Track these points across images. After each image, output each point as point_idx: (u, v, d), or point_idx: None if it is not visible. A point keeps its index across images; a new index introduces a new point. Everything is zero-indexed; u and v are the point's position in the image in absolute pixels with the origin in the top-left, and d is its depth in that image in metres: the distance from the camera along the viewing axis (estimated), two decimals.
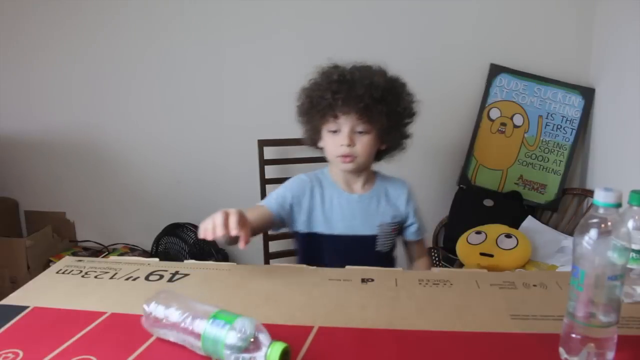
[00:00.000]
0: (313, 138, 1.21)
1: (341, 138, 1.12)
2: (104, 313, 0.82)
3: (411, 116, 1.19)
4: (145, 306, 0.75)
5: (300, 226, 1.20)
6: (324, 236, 1.19)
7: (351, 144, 1.11)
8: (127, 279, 0.95)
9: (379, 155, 1.21)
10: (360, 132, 1.12)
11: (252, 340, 0.66)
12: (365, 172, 1.21)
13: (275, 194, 1.20)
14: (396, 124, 1.15)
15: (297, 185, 1.21)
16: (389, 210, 1.22)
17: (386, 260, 1.23)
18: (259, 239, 1.86)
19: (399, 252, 1.31)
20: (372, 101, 1.08)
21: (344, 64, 1.15)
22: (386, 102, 1.10)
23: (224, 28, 2.01)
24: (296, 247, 1.27)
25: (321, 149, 1.21)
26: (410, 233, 1.26)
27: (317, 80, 1.14)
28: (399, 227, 1.24)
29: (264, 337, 0.67)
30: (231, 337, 0.66)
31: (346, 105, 1.09)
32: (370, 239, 1.20)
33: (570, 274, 0.67)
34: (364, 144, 1.13)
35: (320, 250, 1.19)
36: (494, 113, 1.97)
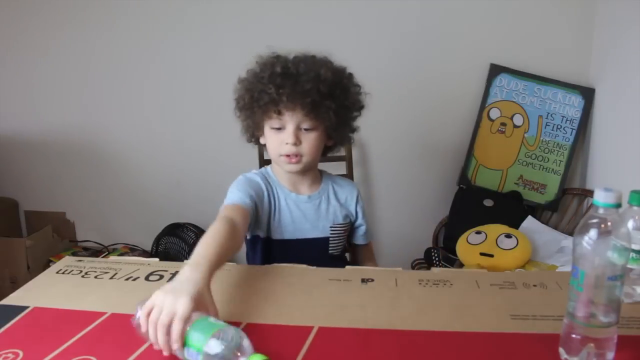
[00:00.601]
0: (254, 135, 1.12)
1: (286, 136, 1.03)
2: (104, 313, 0.82)
3: (359, 109, 1.11)
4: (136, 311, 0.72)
5: (260, 231, 1.11)
6: (274, 241, 1.11)
7: (297, 142, 1.03)
8: (127, 279, 0.95)
9: (324, 151, 1.12)
10: (307, 130, 1.04)
11: (235, 349, 0.63)
12: (311, 171, 1.13)
13: (242, 191, 1.06)
14: (344, 119, 1.08)
15: (255, 184, 1.10)
16: (339, 210, 1.15)
17: (339, 263, 1.11)
18: None
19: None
20: (320, 96, 1.00)
21: (286, 54, 1.06)
22: (334, 96, 1.02)
23: (224, 28, 2.01)
24: (251, 254, 1.17)
25: (263, 145, 1.12)
26: (359, 236, 1.21)
27: (258, 72, 1.05)
28: (349, 229, 1.19)
29: (247, 347, 0.64)
30: (213, 345, 0.63)
31: (291, 102, 1.00)
32: (323, 242, 1.13)
33: (570, 274, 0.67)
34: (310, 142, 1.04)
35: (270, 257, 1.11)
36: (494, 113, 1.97)
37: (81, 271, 0.99)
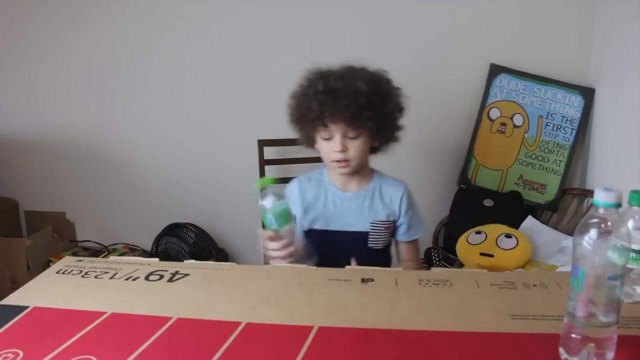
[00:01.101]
0: (308, 143, 1.25)
1: (334, 144, 1.15)
2: (104, 313, 0.82)
3: (400, 111, 1.21)
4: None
5: (311, 223, 1.25)
6: (319, 232, 1.24)
7: (344, 149, 1.15)
8: (127, 279, 0.95)
9: (374, 149, 1.24)
10: (352, 138, 1.15)
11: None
12: (360, 172, 1.24)
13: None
14: (386, 123, 1.18)
15: (290, 193, 1.27)
16: (381, 208, 1.24)
17: (379, 257, 1.25)
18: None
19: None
20: (359, 108, 1.10)
21: (328, 70, 1.17)
22: (373, 105, 1.12)
23: (224, 28, 2.01)
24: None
25: (317, 150, 1.24)
26: (400, 233, 1.28)
27: (304, 90, 1.17)
28: (392, 226, 1.26)
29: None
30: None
31: (334, 116, 1.12)
32: (363, 235, 1.23)
33: (570, 274, 0.67)
34: (356, 147, 1.16)
35: (316, 246, 1.22)
36: (494, 113, 1.97)
37: (81, 271, 0.99)
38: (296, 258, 1.11)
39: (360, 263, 1.09)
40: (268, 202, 1.04)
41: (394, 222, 1.26)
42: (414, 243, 1.31)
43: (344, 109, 1.10)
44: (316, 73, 1.17)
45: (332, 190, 1.25)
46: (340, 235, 1.23)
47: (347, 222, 1.23)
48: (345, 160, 1.16)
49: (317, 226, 1.25)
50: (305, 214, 1.25)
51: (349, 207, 1.24)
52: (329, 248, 1.20)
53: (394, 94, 1.19)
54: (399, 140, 1.25)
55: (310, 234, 1.25)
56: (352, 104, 1.10)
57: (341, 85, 1.11)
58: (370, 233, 1.23)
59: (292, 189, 1.28)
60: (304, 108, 1.15)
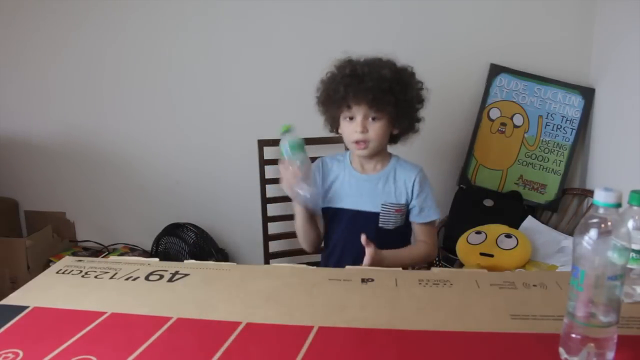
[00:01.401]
0: (332, 125, 1.34)
1: (355, 125, 1.24)
2: (104, 313, 0.82)
3: (420, 102, 1.31)
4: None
5: (326, 202, 1.35)
6: (334, 209, 1.34)
7: (364, 130, 1.24)
8: (127, 279, 0.95)
9: (394, 138, 1.33)
10: (373, 119, 1.24)
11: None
12: (378, 155, 1.32)
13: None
14: (405, 111, 1.27)
15: (322, 166, 1.37)
16: (393, 191, 1.31)
17: (390, 237, 1.30)
18: (259, 239, 1.86)
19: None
20: (380, 92, 1.20)
21: (357, 58, 1.28)
22: (394, 92, 1.22)
23: (224, 28, 2.01)
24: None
25: (340, 134, 1.34)
26: (413, 215, 1.34)
27: (333, 74, 1.28)
28: (404, 209, 1.32)
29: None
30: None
31: (357, 97, 1.22)
32: (373, 216, 1.30)
33: (570, 274, 0.67)
34: (376, 130, 1.25)
35: (331, 223, 1.35)
36: (494, 113, 1.97)
37: (81, 271, 0.99)
38: (307, 183, 1.22)
39: (371, 240, 1.18)
40: (285, 138, 1.21)
41: (406, 204, 1.32)
42: (428, 226, 1.35)
43: (367, 92, 1.20)
44: (345, 60, 1.28)
45: (350, 171, 1.34)
46: (352, 214, 1.31)
47: (359, 202, 1.31)
48: (364, 142, 1.25)
49: (332, 204, 1.34)
50: (324, 191, 1.34)
51: (362, 188, 1.32)
52: (342, 226, 1.31)
53: (415, 86, 1.29)
54: (418, 131, 1.34)
55: (326, 211, 1.35)
56: (375, 87, 1.20)
57: (366, 71, 1.22)
58: (381, 214, 1.30)
59: (316, 167, 1.36)
60: (330, 90, 1.26)
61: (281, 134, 1.22)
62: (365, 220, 1.30)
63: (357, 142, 1.26)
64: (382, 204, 1.30)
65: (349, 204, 1.32)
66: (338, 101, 1.25)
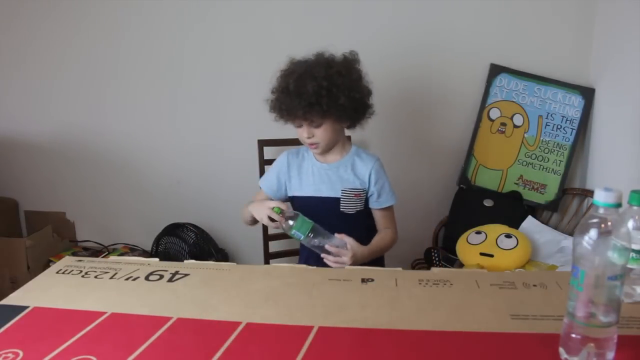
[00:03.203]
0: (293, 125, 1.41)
1: (302, 131, 1.35)
2: (104, 313, 0.82)
3: (361, 93, 1.35)
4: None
5: (289, 191, 1.45)
6: (299, 198, 1.44)
7: (310, 136, 1.34)
8: (127, 279, 0.95)
9: (349, 126, 1.41)
10: (315, 127, 1.33)
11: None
12: (335, 147, 1.41)
13: (267, 179, 1.48)
14: (346, 108, 1.32)
15: (280, 163, 1.47)
16: (352, 178, 1.40)
17: (352, 221, 1.40)
18: (259, 239, 1.86)
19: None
20: (309, 106, 1.28)
21: (294, 67, 1.35)
22: (322, 102, 1.27)
23: (224, 28, 2.01)
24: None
25: None
26: (372, 201, 1.43)
27: (275, 86, 1.37)
28: (363, 194, 1.41)
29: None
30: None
31: (290, 114, 1.32)
32: (334, 201, 1.39)
33: (570, 274, 0.67)
34: (321, 133, 1.34)
35: (298, 210, 1.36)
36: (494, 113, 1.97)
37: (81, 271, 0.99)
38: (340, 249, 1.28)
39: (334, 224, 1.30)
40: (288, 223, 1.26)
41: (364, 190, 1.41)
42: (387, 211, 1.45)
43: (297, 109, 1.29)
44: (286, 70, 1.35)
45: (313, 161, 1.43)
46: (315, 201, 1.40)
47: (321, 189, 1.40)
48: (315, 144, 1.35)
49: (297, 192, 1.43)
50: (289, 182, 1.44)
51: (324, 176, 1.41)
52: (307, 213, 1.32)
53: (350, 84, 1.32)
54: (371, 115, 1.41)
55: (293, 200, 1.45)
56: (302, 103, 1.27)
57: (294, 88, 1.29)
58: (342, 199, 1.39)
59: (281, 160, 1.46)
60: (273, 104, 1.36)
61: (277, 215, 1.27)
62: (328, 206, 1.39)
63: (309, 144, 1.36)
64: (342, 190, 1.39)
65: (311, 191, 1.41)
66: (280, 114, 1.35)
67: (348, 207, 1.40)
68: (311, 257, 1.36)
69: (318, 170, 1.42)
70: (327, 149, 1.39)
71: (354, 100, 1.33)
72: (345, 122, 1.38)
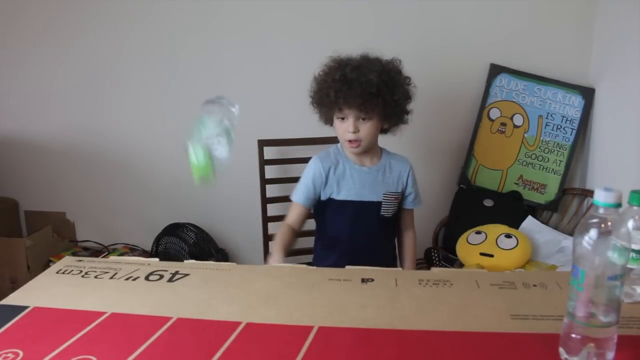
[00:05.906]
0: (326, 121, 1.41)
1: (347, 125, 1.32)
2: (104, 313, 0.82)
3: (407, 99, 1.37)
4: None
5: (323, 195, 1.41)
6: (337, 202, 1.39)
7: (356, 130, 1.31)
8: (127, 279, 0.95)
9: (384, 130, 1.40)
10: (363, 119, 1.31)
11: None
12: (371, 150, 1.40)
13: (302, 187, 1.41)
14: (394, 109, 1.34)
15: (314, 169, 1.41)
16: (392, 181, 1.42)
17: (388, 225, 1.44)
18: (259, 239, 1.86)
19: None
20: (369, 97, 1.27)
21: (347, 59, 1.33)
22: (382, 94, 1.28)
23: (224, 28, 2.01)
24: (315, 214, 1.48)
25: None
26: (408, 202, 1.46)
27: (324, 76, 1.34)
28: (401, 196, 1.44)
29: None
30: None
31: (347, 102, 1.29)
32: (376, 205, 1.39)
33: (570, 274, 0.67)
34: (366, 129, 1.32)
35: (334, 215, 1.41)
36: (494, 113, 1.97)
37: (81, 271, 0.99)
38: None
39: (374, 228, 1.37)
40: None
41: (402, 193, 1.44)
42: (413, 211, 1.50)
43: (356, 97, 1.27)
44: (336, 62, 1.34)
45: (351, 164, 1.40)
46: (356, 205, 1.39)
47: (362, 193, 1.39)
48: (357, 141, 1.33)
49: (336, 196, 1.39)
50: (325, 185, 1.39)
51: (365, 180, 1.39)
52: (347, 217, 1.38)
53: (402, 84, 1.35)
54: (407, 123, 1.42)
55: (329, 203, 1.40)
56: (363, 92, 1.26)
57: (355, 76, 1.27)
58: (383, 203, 1.40)
59: (314, 165, 1.40)
60: (323, 93, 1.32)
61: None
62: (369, 210, 1.39)
63: (349, 141, 1.33)
64: (384, 194, 1.39)
65: (352, 195, 1.39)
66: (329, 104, 1.32)
67: (388, 210, 1.41)
68: (345, 255, 1.36)
69: (358, 173, 1.40)
70: (366, 148, 1.37)
71: (402, 103, 1.35)
72: (388, 122, 1.37)
